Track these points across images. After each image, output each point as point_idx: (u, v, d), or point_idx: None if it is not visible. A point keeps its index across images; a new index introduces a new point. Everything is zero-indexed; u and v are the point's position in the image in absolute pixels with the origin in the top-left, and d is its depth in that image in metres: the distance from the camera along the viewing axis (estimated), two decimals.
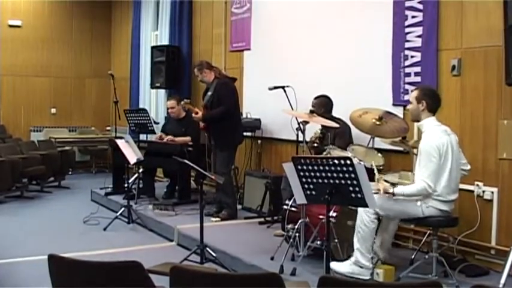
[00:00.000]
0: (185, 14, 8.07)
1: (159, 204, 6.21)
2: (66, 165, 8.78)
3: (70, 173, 9.08)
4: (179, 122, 6.77)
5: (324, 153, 4.46)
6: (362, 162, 3.62)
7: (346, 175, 3.00)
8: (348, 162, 2.97)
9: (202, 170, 4.45)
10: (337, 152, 4.38)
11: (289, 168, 3.31)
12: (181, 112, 6.77)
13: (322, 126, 4.86)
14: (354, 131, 4.91)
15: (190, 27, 8.08)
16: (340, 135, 4.94)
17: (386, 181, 3.87)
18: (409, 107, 3.91)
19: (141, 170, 6.71)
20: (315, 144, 4.90)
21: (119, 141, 5.93)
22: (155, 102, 9.00)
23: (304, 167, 3.19)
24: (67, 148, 9.02)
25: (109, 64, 10.55)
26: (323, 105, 5.13)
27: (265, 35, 6.68)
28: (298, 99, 5.27)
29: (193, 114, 5.78)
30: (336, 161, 3.01)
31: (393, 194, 3.69)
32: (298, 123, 4.67)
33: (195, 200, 6.23)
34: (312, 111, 4.29)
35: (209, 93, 5.76)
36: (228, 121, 5.66)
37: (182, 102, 5.87)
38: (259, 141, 6.70)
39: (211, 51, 7.61)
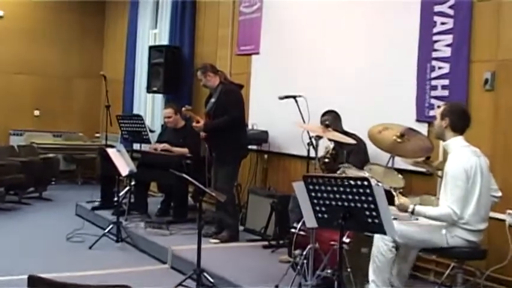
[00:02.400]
0: (188, 11, 8.16)
1: (152, 222, 6.26)
2: (49, 174, 8.81)
3: (53, 183, 9.09)
4: (177, 131, 6.87)
5: (338, 172, 4.51)
6: (380, 184, 3.67)
7: (363, 198, 3.05)
8: (365, 183, 3.02)
9: (201, 186, 4.51)
10: (352, 172, 4.43)
11: (299, 188, 3.36)
12: (179, 121, 6.86)
13: (335, 142, 4.91)
14: (371, 148, 4.93)
15: (193, 26, 8.16)
16: (355, 152, 4.99)
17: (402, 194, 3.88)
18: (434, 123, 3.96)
19: (133, 183, 6.77)
20: (326, 160, 4.95)
21: (110, 151, 5.99)
22: (151, 108, 9.12)
23: (316, 187, 3.24)
24: (50, 155, 9.06)
25: (101, 63, 10.71)
26: (336, 120, 5.24)
27: (277, 38, 6.76)
28: (310, 111, 5.23)
29: (193, 123, 5.86)
30: (352, 182, 3.06)
31: (412, 213, 3.71)
32: (310, 138, 4.72)
33: (193, 219, 6.26)
34: (327, 125, 4.36)
35: (212, 99, 5.84)
36: (232, 132, 5.74)
37: (183, 109, 5.96)
38: (265, 156, 6.76)
39: (215, 54, 7.71)
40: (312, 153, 4.84)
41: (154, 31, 9.07)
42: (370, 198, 3.03)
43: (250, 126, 6.70)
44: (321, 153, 4.91)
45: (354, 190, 3.07)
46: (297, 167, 6.29)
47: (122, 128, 6.84)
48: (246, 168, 6.81)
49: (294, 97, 5.36)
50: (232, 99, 5.77)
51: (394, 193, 3.85)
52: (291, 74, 6.45)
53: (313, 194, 3.28)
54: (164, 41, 8.48)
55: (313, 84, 6.04)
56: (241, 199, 6.67)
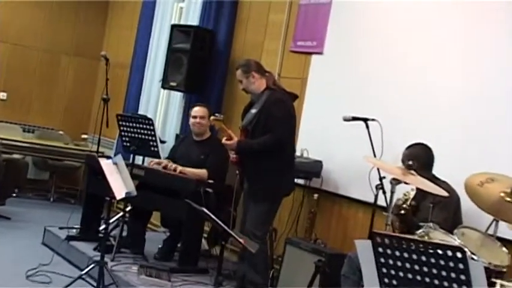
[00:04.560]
0: None
1: (149, 266, 6.29)
2: (11, 182, 8.78)
3: (15, 195, 9.15)
4: (199, 144, 7.00)
5: (418, 232, 4.57)
6: (476, 257, 3.70)
7: (452, 274, 3.05)
8: (459, 255, 3.06)
9: (226, 227, 4.60)
10: (438, 235, 4.46)
11: (363, 248, 3.40)
12: (206, 130, 7.02)
13: (418, 189, 4.97)
14: (467, 205, 5.01)
15: (234, 5, 8.31)
16: (442, 207, 5.04)
17: None
18: None
19: (128, 209, 6.87)
20: (402, 212, 5.00)
21: (104, 162, 5.95)
22: (164, 110, 9.27)
23: (389, 251, 3.26)
24: (16, 156, 9.20)
25: (101, 40, 10.98)
26: (422, 159, 5.24)
27: (349, 36, 6.85)
28: (385, 140, 5.32)
29: (223, 140, 5.92)
30: (440, 251, 3.10)
31: None
32: (381, 179, 4.79)
33: (204, 269, 6.35)
34: (409, 166, 4.44)
35: (254, 110, 5.93)
36: (275, 158, 5.82)
37: (212, 118, 5.99)
38: (315, 196, 6.81)
39: (261, 47, 7.86)
40: (382, 201, 4.93)
41: (180, 4, 9.27)
42: (462, 277, 3.04)
43: (298, 153, 6.73)
44: (396, 200, 4.97)
45: (441, 262, 3.06)
46: (357, 216, 6.40)
47: (123, 133, 6.93)
48: (287, 210, 6.90)
49: (365, 120, 5.48)
50: (280, 112, 5.83)
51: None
52: (363, 88, 6.56)
53: (382, 260, 3.29)
54: (193, 20, 8.60)
55: (392, 106, 6.18)
56: (275, 251, 6.71)
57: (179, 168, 6.73)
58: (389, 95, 6.29)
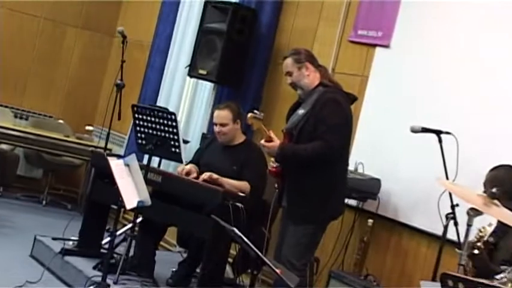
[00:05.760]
0: None
1: None
2: None
3: (0, 194, 9.31)
4: (231, 151, 6.97)
5: (497, 278, 4.50)
6: None
7: None
8: None
9: (260, 253, 4.57)
10: None
11: None
12: (237, 135, 6.98)
13: (500, 223, 4.91)
14: None
15: None
16: None
17: None
18: None
19: (139, 220, 6.88)
20: (476, 252, 4.94)
21: (114, 162, 6.01)
22: (189, 103, 9.29)
23: None
24: (4, 147, 9.34)
25: (116, 12, 11.13)
26: (508, 186, 5.13)
27: (424, 27, 6.83)
28: (461, 159, 5.34)
29: (262, 141, 5.88)
30: None
31: None
32: (454, 207, 4.75)
33: None
34: (493, 195, 4.38)
35: (301, 111, 5.87)
36: (324, 171, 5.78)
37: (249, 115, 5.88)
38: (369, 222, 6.78)
39: (313, 34, 7.89)
40: (452, 234, 4.89)
41: None
42: None
43: (352, 167, 6.72)
44: (470, 236, 4.93)
45: None
46: (420, 251, 6.37)
47: (138, 128, 6.91)
48: (333, 236, 6.90)
49: (438, 133, 5.53)
50: (335, 115, 5.77)
51: None
52: (436, 93, 6.54)
53: None
54: None
55: (471, 117, 6.16)
56: (316, 284, 6.72)
57: (217, 177, 6.55)
58: (469, 104, 6.26)
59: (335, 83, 6.10)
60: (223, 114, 6.94)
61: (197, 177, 6.69)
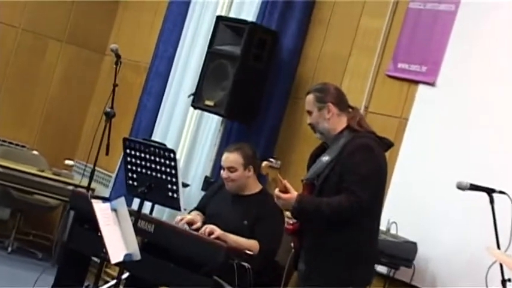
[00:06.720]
0: None
1: None
2: None
3: None
4: (241, 202, 6.98)
5: None
6: None
7: None
8: None
9: None
10: None
11: None
12: (249, 183, 7.00)
13: None
14: None
15: (311, 1, 8.32)
16: None
17: None
18: None
19: (125, 277, 6.83)
20: None
21: (98, 205, 5.96)
22: (191, 139, 9.31)
23: None
24: None
25: (109, 28, 11.23)
26: None
27: (477, 61, 6.80)
28: None
29: (276, 190, 5.69)
30: None
31: None
32: (504, 281, 4.68)
33: None
34: None
35: (326, 157, 5.69)
36: (351, 231, 5.62)
37: (264, 163, 5.83)
38: None
39: (345, 64, 7.89)
40: None
41: None
42: None
43: (384, 227, 6.59)
44: None
45: None
46: None
47: (129, 166, 6.94)
48: None
49: (490, 191, 5.44)
50: (366, 165, 5.56)
51: None
52: (488, 145, 6.54)
53: None
54: (248, 14, 8.72)
55: None
56: None
57: (219, 233, 6.59)
58: None
59: (367, 126, 5.88)
60: (232, 158, 6.93)
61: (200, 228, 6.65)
